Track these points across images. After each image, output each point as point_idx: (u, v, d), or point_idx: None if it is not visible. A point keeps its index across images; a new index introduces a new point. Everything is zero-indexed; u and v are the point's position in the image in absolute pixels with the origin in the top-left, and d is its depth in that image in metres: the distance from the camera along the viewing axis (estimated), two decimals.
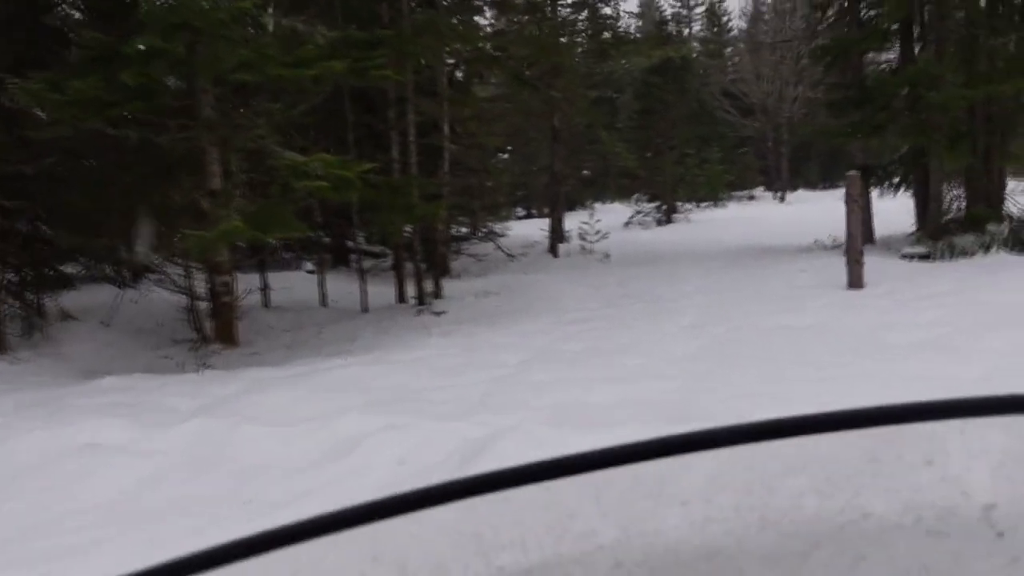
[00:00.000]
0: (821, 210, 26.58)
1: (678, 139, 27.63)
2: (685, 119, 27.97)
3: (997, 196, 15.37)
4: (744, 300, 10.11)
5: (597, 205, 38.47)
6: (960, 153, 13.13)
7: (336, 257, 17.36)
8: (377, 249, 17.14)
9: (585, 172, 38.37)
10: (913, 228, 16.19)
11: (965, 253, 12.93)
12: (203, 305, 10.14)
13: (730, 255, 15.61)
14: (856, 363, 6.07)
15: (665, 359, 6.98)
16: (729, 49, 43.12)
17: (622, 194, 33.47)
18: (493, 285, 13.27)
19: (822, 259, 13.64)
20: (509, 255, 17.62)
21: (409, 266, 12.40)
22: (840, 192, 34.80)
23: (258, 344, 9.92)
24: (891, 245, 14.75)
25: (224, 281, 9.46)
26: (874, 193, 15.82)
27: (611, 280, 13.38)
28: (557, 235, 19.64)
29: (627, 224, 26.46)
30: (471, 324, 9.87)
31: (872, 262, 12.67)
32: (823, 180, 42.76)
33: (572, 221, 20.94)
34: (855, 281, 10.48)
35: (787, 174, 36.29)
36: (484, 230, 24.15)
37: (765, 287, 11.00)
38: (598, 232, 18.17)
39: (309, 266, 15.59)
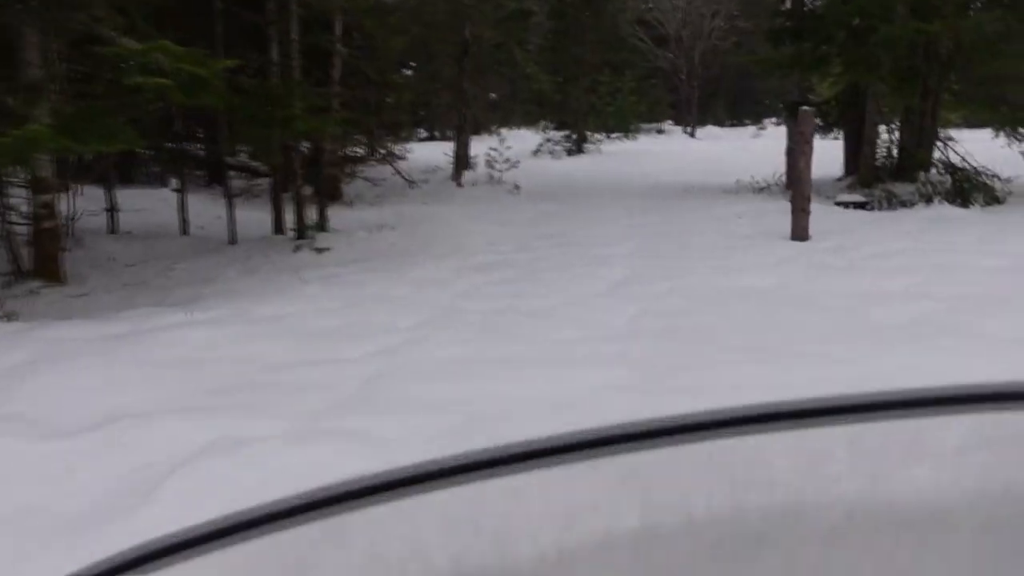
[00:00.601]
0: (733, 148, 25.55)
1: (591, 65, 25.91)
2: (599, 44, 26.19)
3: (931, 143, 14.43)
4: (681, 251, 8.69)
5: (504, 131, 36.65)
6: (908, 92, 11.96)
7: (212, 175, 15.14)
8: (261, 167, 14.99)
9: (492, 95, 36.36)
10: (841, 173, 15.16)
11: (904, 204, 11.88)
12: (24, 230, 8.05)
13: (652, 193, 14.20)
14: (860, 348, 4.68)
15: (604, 333, 5.45)
16: None
17: (530, 120, 31.69)
18: (389, 217, 11.48)
19: (753, 203, 12.37)
20: (409, 181, 15.77)
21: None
22: (747, 130, 33.58)
23: (91, 281, 7.93)
24: (821, 190, 13.59)
25: (44, 201, 7.41)
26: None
27: (523, 216, 11.78)
28: (462, 161, 17.83)
29: (536, 152, 24.78)
30: (358, 267, 8.13)
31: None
32: (731, 117, 42.00)
33: (478, 146, 19.14)
34: (800, 232, 9.21)
35: (696, 109, 35.14)
36: (382, 152, 22.11)
37: (700, 235, 9.61)
38: (507, 160, 16.48)
39: (175, 184, 13.37)
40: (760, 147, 24.81)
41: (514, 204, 13.29)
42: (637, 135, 30.34)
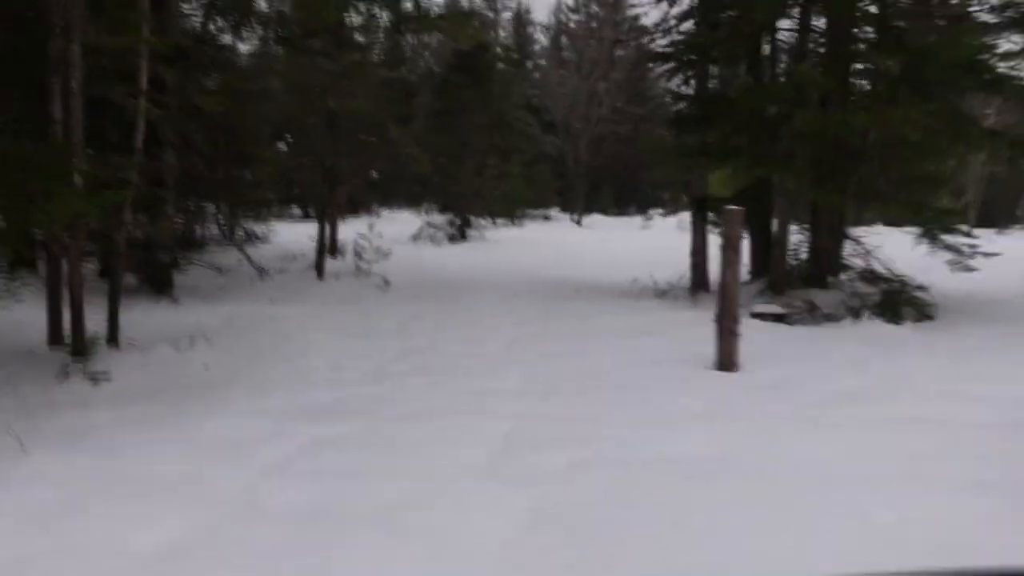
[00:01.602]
0: (622, 238, 24.25)
1: (477, 147, 24.28)
2: (485, 127, 24.65)
3: (840, 245, 13.11)
4: (583, 388, 6.60)
5: (385, 212, 34.49)
6: (827, 190, 10.50)
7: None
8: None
9: (373, 173, 34.36)
10: (748, 276, 13.68)
11: (831, 318, 10.29)
12: None
13: (542, 292, 12.23)
14: None
15: (477, 560, 3.27)
16: (531, 63, 40.63)
17: (413, 201, 29.73)
18: (216, 322, 9.01)
19: (659, 312, 10.53)
20: (261, 271, 13.31)
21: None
22: (633, 220, 32.58)
23: None
24: None
25: None
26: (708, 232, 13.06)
27: (387, 323, 9.52)
28: (328, 248, 15.53)
29: (415, 238, 22.72)
30: (135, 411, 5.65)
31: (697, 314, 9.74)
32: (617, 206, 41.30)
33: (354, 229, 16.86)
34: (727, 360, 7.32)
35: (583, 197, 34.07)
36: (241, 233, 19.56)
37: (605, 360, 7.58)
38: (378, 249, 14.28)
39: None
40: (650, 240, 23.56)
41: (379, 305, 11.03)
42: (523, 222, 28.77)
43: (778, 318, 10.44)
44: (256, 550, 3.54)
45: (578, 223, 31.65)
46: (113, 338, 7.32)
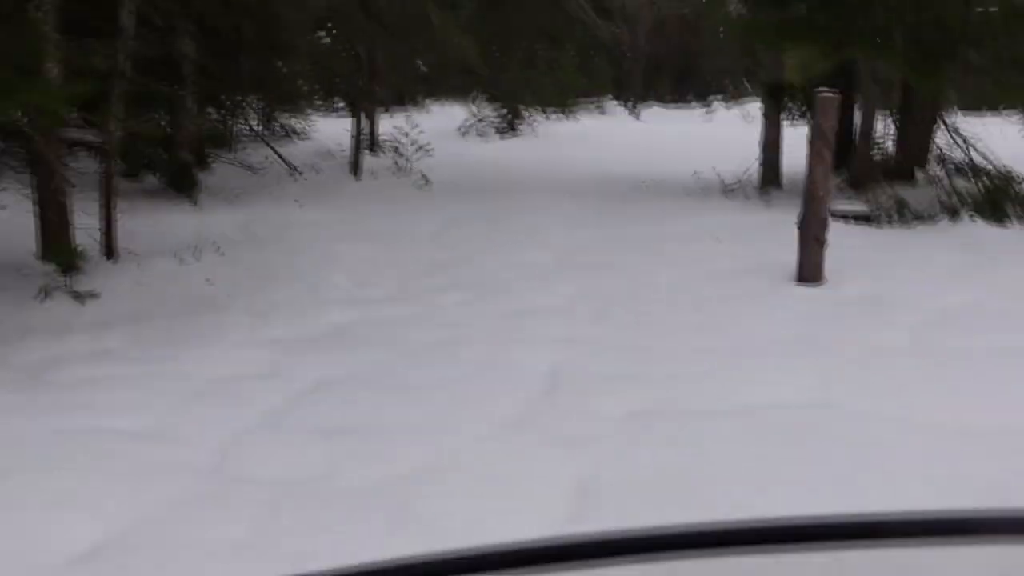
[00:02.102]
0: (682, 130, 22.60)
1: (527, 34, 22.60)
2: (537, 12, 22.82)
3: (929, 134, 11.63)
4: (643, 307, 5.57)
5: (432, 105, 33.11)
6: (932, 75, 9.03)
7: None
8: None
9: (419, 64, 32.89)
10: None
11: (923, 219, 9.00)
12: None
13: (596, 191, 11.06)
14: None
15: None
16: None
17: (461, 93, 28.27)
18: (234, 226, 8.14)
19: (728, 212, 9.33)
20: (292, 169, 12.35)
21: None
22: (691, 113, 30.76)
23: None
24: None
25: None
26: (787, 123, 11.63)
27: (424, 227, 8.53)
28: (367, 144, 14.49)
29: (462, 132, 21.47)
30: (117, 337, 4.83)
31: (791, 217, 8.55)
32: (675, 95, 39.13)
33: (398, 123, 15.69)
34: (812, 271, 6.21)
35: (641, 86, 32.12)
36: (276, 129, 18.60)
37: (667, 271, 6.53)
38: (417, 144, 13.18)
39: None
40: (713, 131, 21.97)
41: (417, 206, 10.02)
42: (577, 114, 27.21)
43: (862, 218, 9.18)
44: (221, 540, 2.69)
45: (635, 114, 29.90)
46: (108, 249, 6.48)
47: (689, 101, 39.41)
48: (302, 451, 3.34)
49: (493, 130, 21.31)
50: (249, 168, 12.63)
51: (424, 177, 11.84)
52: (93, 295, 5.53)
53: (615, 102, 35.09)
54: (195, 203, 9.73)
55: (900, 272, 6.58)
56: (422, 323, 5.23)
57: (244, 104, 16.05)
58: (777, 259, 6.68)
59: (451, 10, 22.65)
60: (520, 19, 21.11)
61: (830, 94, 6.25)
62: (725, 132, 22.04)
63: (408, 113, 15.68)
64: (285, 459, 3.28)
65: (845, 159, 11.94)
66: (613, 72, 34.32)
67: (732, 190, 10.79)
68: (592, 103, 32.57)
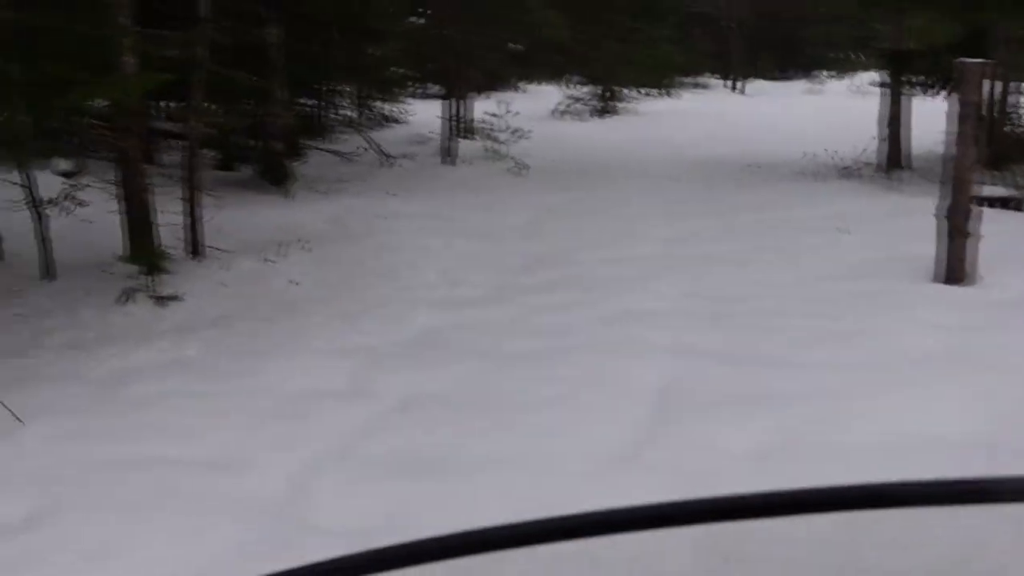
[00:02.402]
0: (788, 106, 21.41)
1: (622, 8, 21.79)
2: None
3: None
4: (764, 308, 5.00)
5: (526, 87, 32.60)
6: None
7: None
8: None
9: (511, 45, 32.40)
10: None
11: None
12: None
13: (701, 174, 10.38)
14: None
15: None
16: None
17: (555, 73, 27.63)
18: (324, 220, 7.86)
19: (849, 196, 8.53)
20: (385, 157, 12.09)
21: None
22: (796, 86, 29.22)
23: None
24: (933, 170, 9.77)
25: None
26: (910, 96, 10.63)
27: (519, 217, 8.07)
28: (457, 129, 14.14)
29: (557, 113, 20.92)
30: (197, 345, 4.55)
31: (922, 202, 7.72)
32: (779, 70, 37.45)
33: (492, 107, 15.28)
34: (957, 269, 5.48)
35: (744, 61, 30.76)
36: (370, 115, 18.45)
37: (787, 267, 5.88)
38: (511, 129, 12.72)
39: (63, 164, 9.81)
40: (822, 106, 20.73)
41: (512, 194, 9.57)
42: (677, 91, 26.21)
43: (1005, 202, 8.25)
44: None
45: (740, 91, 28.66)
46: (194, 248, 6.27)
47: (793, 76, 37.72)
48: (376, 491, 2.94)
49: (589, 111, 20.68)
50: (343, 156, 12.43)
51: (518, 163, 11.38)
52: (175, 298, 5.29)
53: (716, 78, 33.83)
54: (287, 195, 9.53)
55: None
56: (517, 329, 4.78)
57: (336, 91, 15.93)
58: (914, 253, 5.95)
59: None
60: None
61: (976, 62, 5.45)
62: (834, 107, 20.79)
63: (505, 97, 15.20)
64: (356, 502, 2.88)
65: (979, 135, 10.91)
66: (713, 47, 33.04)
67: (850, 171, 9.93)
68: (692, 80, 31.46)
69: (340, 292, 5.55)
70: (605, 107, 20.59)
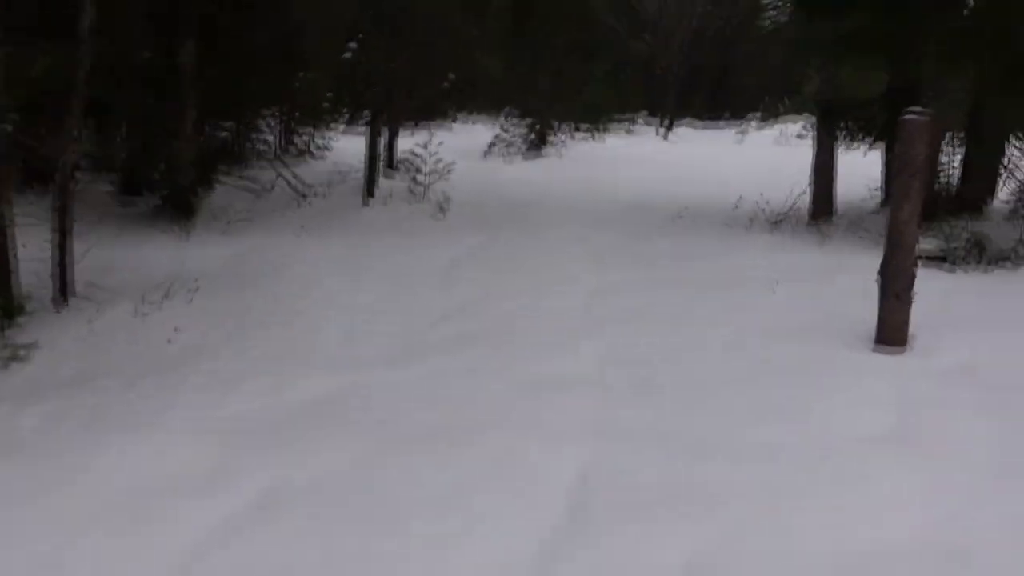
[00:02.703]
0: (715, 154, 21.44)
1: (558, 48, 21.60)
2: (567, 24, 21.77)
3: (996, 163, 10.49)
4: (694, 376, 4.52)
5: (454, 122, 32.23)
6: (1014, 97, 7.89)
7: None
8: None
9: (451, 76, 31.99)
10: (879, 197, 11.13)
11: (1005, 258, 7.86)
12: None
13: (628, 221, 9.98)
14: None
15: None
16: None
17: (490, 109, 27.28)
18: (221, 260, 7.17)
19: (780, 250, 8.21)
20: (299, 191, 11.40)
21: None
22: (723, 133, 29.51)
23: None
24: (862, 224, 9.57)
25: None
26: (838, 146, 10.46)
27: (435, 262, 7.49)
28: (386, 163, 13.61)
29: (487, 152, 20.51)
30: (33, 420, 3.83)
31: (853, 259, 7.45)
32: (710, 113, 37.96)
33: (420, 141, 14.71)
34: (895, 334, 5.11)
35: (674, 104, 31.01)
36: (295, 143, 17.74)
37: (717, 328, 5.42)
38: (439, 164, 12.17)
39: None
40: (747, 155, 20.85)
41: (432, 235, 9.02)
42: (605, 134, 26.13)
43: (933, 258, 8.03)
44: None
45: (665, 135, 28.80)
46: (63, 291, 5.52)
47: (725, 118, 38.23)
48: None
49: (518, 150, 20.31)
50: (257, 189, 11.73)
51: (441, 204, 10.84)
52: (29, 352, 4.55)
53: (647, 120, 34.01)
54: (189, 230, 8.79)
55: (997, 333, 5.43)
56: (420, 397, 4.19)
57: (257, 118, 15.21)
58: (845, 312, 5.60)
59: (477, 21, 21.75)
60: (549, 32, 20.10)
61: (919, 116, 5.13)
62: (760, 155, 20.89)
63: (430, 130, 14.69)
64: None
65: None
66: (643, 90, 33.26)
67: (778, 223, 9.67)
68: (624, 120, 31.53)
69: (223, 348, 4.88)
70: (535, 147, 20.24)
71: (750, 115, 32.65)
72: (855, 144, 10.28)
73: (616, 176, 15.30)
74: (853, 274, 6.79)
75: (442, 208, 10.54)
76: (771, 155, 20.86)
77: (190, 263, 7.02)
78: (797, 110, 29.45)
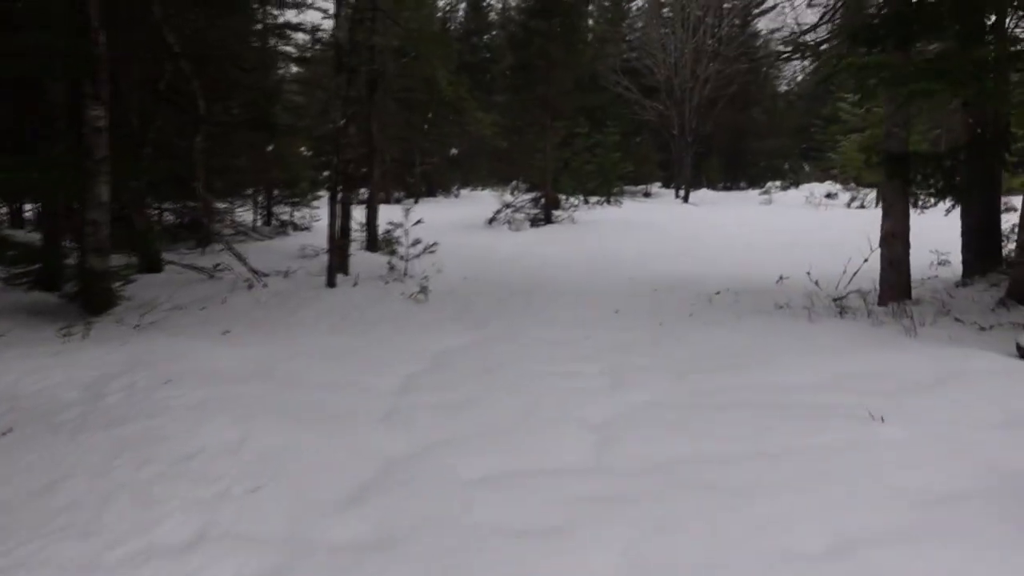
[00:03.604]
0: (741, 218, 19.29)
1: (565, 112, 19.84)
2: (573, 87, 20.01)
3: None
4: None
5: (463, 192, 30.50)
6: None
7: None
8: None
9: (453, 150, 30.56)
10: (959, 269, 8.99)
11: None
12: None
13: (651, 305, 7.87)
14: None
15: None
16: (627, 22, 35.62)
17: (499, 179, 25.51)
18: (89, 380, 5.07)
19: (858, 348, 6.00)
20: (253, 276, 9.38)
21: None
22: (745, 195, 27.40)
23: None
24: (950, 305, 7.40)
25: None
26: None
27: (389, 379, 5.35)
28: (370, 239, 11.69)
29: (491, 221, 18.61)
30: None
31: (964, 361, 5.28)
32: (726, 180, 36.07)
33: (431, 213, 12.70)
34: None
35: (691, 169, 29.15)
36: (278, 219, 15.94)
37: (811, 511, 3.26)
38: (418, 244, 10.14)
39: None
40: (779, 219, 18.75)
41: (400, 331, 6.93)
42: (621, 199, 24.25)
43: None
44: None
45: (685, 199, 26.84)
46: None
47: (742, 187, 36.25)
48: None
49: (525, 219, 18.38)
50: (209, 271, 9.77)
51: (422, 286, 8.78)
52: None
53: (662, 187, 32.13)
54: (89, 330, 6.76)
55: None
56: None
57: (230, 195, 13.41)
58: (1006, 461, 3.42)
59: (479, 89, 20.14)
60: (555, 95, 18.34)
61: None
62: (793, 216, 18.78)
63: (408, 204, 12.80)
64: None
65: (991, 259, 8.67)
66: (658, 156, 31.45)
67: (845, 306, 7.49)
68: (638, 189, 29.69)
69: None
70: (543, 216, 18.30)
71: (770, 184, 30.72)
72: (931, 203, 8.17)
73: (634, 246, 13.26)
74: (976, 386, 4.66)
75: (423, 290, 8.47)
76: (805, 217, 18.75)
77: (42, 383, 4.95)
78: (820, 177, 27.52)
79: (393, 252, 9.70)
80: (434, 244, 9.95)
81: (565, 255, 12.62)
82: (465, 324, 7.16)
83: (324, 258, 10.43)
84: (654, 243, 13.76)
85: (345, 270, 9.90)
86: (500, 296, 8.68)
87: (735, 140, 35.13)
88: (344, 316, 7.55)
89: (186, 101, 9.33)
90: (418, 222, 10.08)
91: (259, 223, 16.09)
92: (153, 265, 10.08)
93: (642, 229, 16.04)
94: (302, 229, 15.24)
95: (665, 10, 32.13)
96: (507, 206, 18.85)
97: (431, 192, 29.13)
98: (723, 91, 28.98)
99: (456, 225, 17.98)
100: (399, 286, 9.08)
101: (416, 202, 26.89)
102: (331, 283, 8.85)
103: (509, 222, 18.09)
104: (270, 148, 12.68)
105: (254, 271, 9.33)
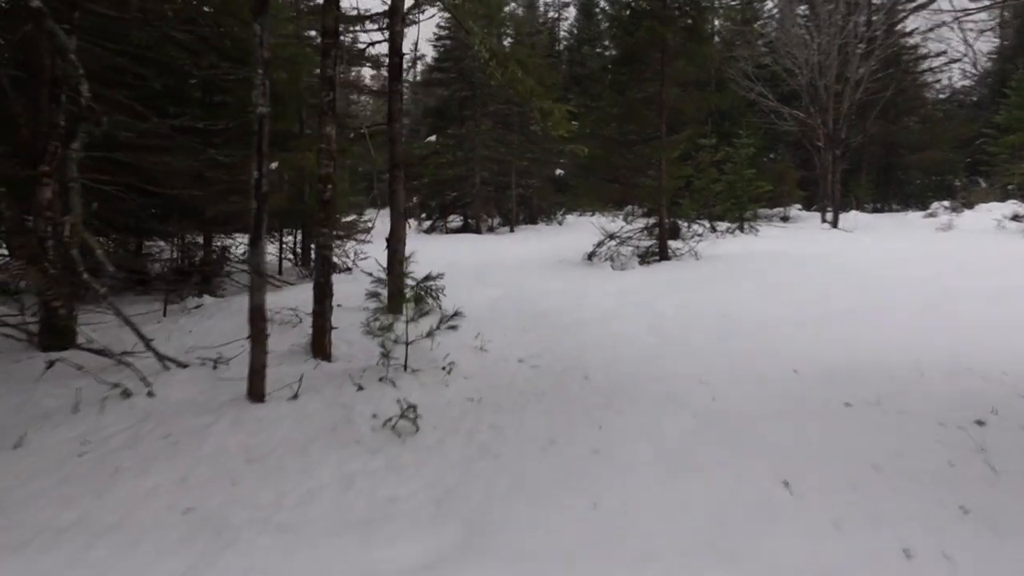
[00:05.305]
0: (921, 250, 14.24)
1: (683, 119, 15.55)
2: (695, 86, 15.61)
3: None
4: None
5: (571, 218, 26.50)
6: None
7: None
8: None
9: (559, 171, 26.54)
10: None
11: None
12: None
13: (821, 412, 3.71)
14: None
15: None
16: (760, 23, 30.75)
17: (608, 203, 21.23)
18: None
19: None
20: (162, 365, 5.74)
21: None
22: (904, 218, 21.09)
23: None
24: None
25: None
26: None
27: None
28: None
29: (591, 256, 14.56)
30: None
31: None
32: (874, 199, 30.50)
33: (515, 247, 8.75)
34: None
35: (838, 189, 23.92)
36: (344, 257, 12.38)
37: None
38: (431, 286, 6.24)
39: None
40: (986, 251, 13.60)
41: (304, 540, 3.08)
42: (757, 226, 19.65)
43: None
44: None
45: (833, 223, 21.82)
46: None
47: (895, 208, 30.65)
48: None
49: (633, 252, 14.22)
50: (113, 356, 6.21)
51: (409, 404, 4.86)
52: None
53: (802, 209, 27.15)
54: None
55: None
56: None
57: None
58: None
59: (590, 102, 16.18)
60: (674, 99, 14.06)
61: None
62: (999, 251, 13.59)
63: (502, 232, 8.92)
64: None
65: None
66: (798, 173, 26.45)
67: None
68: (774, 212, 24.91)
69: None
70: (657, 249, 14.06)
71: (935, 204, 25.17)
72: None
73: (776, 294, 8.87)
74: None
75: (412, 411, 4.54)
76: (1016, 248, 13.63)
77: None
78: (999, 195, 21.90)
79: (389, 328, 5.76)
80: (455, 314, 5.92)
81: (678, 311, 8.41)
82: (444, 516, 3.17)
83: (307, 327, 6.72)
84: (807, 289, 9.31)
85: (325, 353, 6.12)
86: (553, 416, 4.65)
87: (886, 154, 29.67)
88: (269, 451, 3.71)
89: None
90: (439, 276, 6.18)
91: (293, 261, 12.68)
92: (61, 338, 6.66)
93: (793, 268, 11.51)
94: (342, 270, 11.66)
95: (802, 8, 27.26)
96: (610, 236, 14.73)
97: (530, 219, 25.30)
98: (878, 95, 23.86)
99: (547, 262, 14.05)
100: (385, 394, 5.18)
101: (512, 230, 23.13)
102: (255, 394, 5.02)
103: (612, 258, 13.99)
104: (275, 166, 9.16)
105: (164, 359, 5.67)
